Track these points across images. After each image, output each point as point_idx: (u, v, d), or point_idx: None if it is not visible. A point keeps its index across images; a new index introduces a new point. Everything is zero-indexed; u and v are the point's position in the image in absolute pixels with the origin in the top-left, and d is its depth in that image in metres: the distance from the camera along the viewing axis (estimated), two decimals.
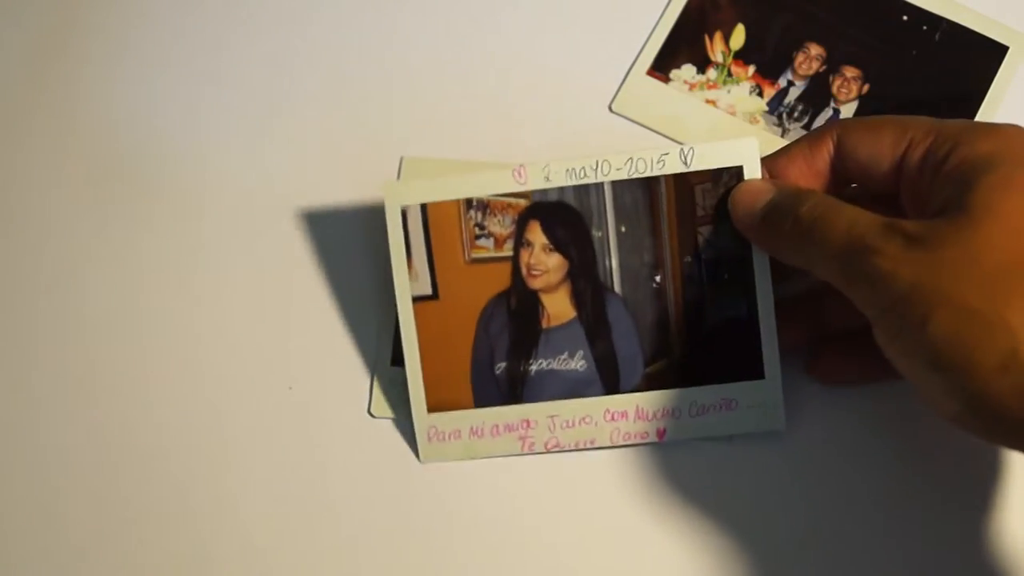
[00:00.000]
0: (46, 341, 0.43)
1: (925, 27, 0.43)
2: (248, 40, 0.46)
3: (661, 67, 0.44)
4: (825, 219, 0.32)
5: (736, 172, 0.37)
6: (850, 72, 0.43)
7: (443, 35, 0.45)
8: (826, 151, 0.35)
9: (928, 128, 0.33)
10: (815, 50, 0.43)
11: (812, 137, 0.36)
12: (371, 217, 0.43)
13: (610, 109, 0.44)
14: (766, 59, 0.44)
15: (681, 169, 0.37)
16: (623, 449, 0.39)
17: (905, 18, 0.43)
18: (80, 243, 0.44)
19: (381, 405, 0.41)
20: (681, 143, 0.43)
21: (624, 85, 0.44)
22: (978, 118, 0.42)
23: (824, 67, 0.43)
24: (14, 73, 0.46)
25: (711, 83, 0.43)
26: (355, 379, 0.41)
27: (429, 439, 0.39)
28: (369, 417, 0.41)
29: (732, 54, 0.44)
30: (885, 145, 0.34)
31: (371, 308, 0.42)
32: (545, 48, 0.45)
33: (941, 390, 0.30)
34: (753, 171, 0.36)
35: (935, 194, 0.32)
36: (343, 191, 0.43)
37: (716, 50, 0.44)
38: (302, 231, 0.43)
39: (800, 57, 0.43)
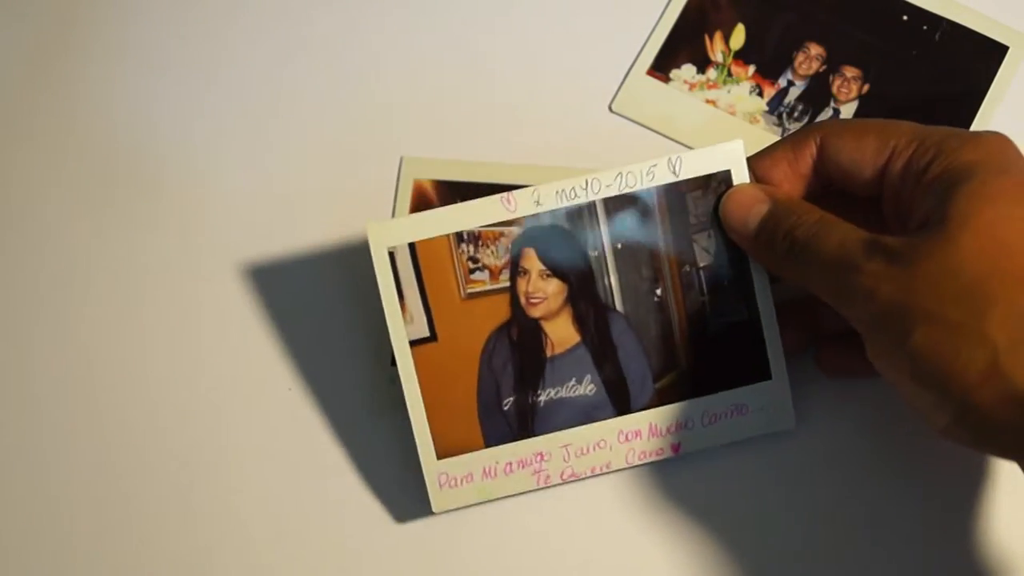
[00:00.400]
0: (46, 341, 0.43)
1: (925, 27, 0.43)
2: (248, 41, 0.46)
3: (661, 67, 0.44)
4: (819, 237, 0.33)
5: (724, 177, 0.37)
6: (850, 72, 0.43)
7: (443, 35, 0.45)
8: (809, 154, 0.35)
9: (911, 136, 0.33)
10: (815, 50, 0.43)
11: (795, 139, 0.36)
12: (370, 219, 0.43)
13: (610, 109, 0.44)
14: (766, 59, 0.44)
15: (671, 179, 0.37)
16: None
17: (905, 18, 0.43)
18: (80, 243, 0.44)
19: (381, 405, 0.41)
20: (682, 143, 0.43)
21: (624, 85, 0.44)
22: (978, 118, 0.42)
23: (824, 67, 0.43)
24: (14, 73, 0.46)
25: (711, 83, 0.43)
26: (355, 379, 0.41)
27: (440, 486, 0.38)
28: (369, 417, 0.41)
29: (732, 54, 0.44)
30: (868, 153, 0.34)
31: (371, 307, 0.42)
32: (545, 48, 0.45)
33: (929, 404, 0.30)
34: (740, 175, 0.37)
35: (917, 205, 0.32)
36: (343, 191, 0.43)
37: (716, 50, 0.44)
38: (302, 231, 0.43)
39: (800, 57, 0.43)
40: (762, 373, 0.38)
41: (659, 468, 0.39)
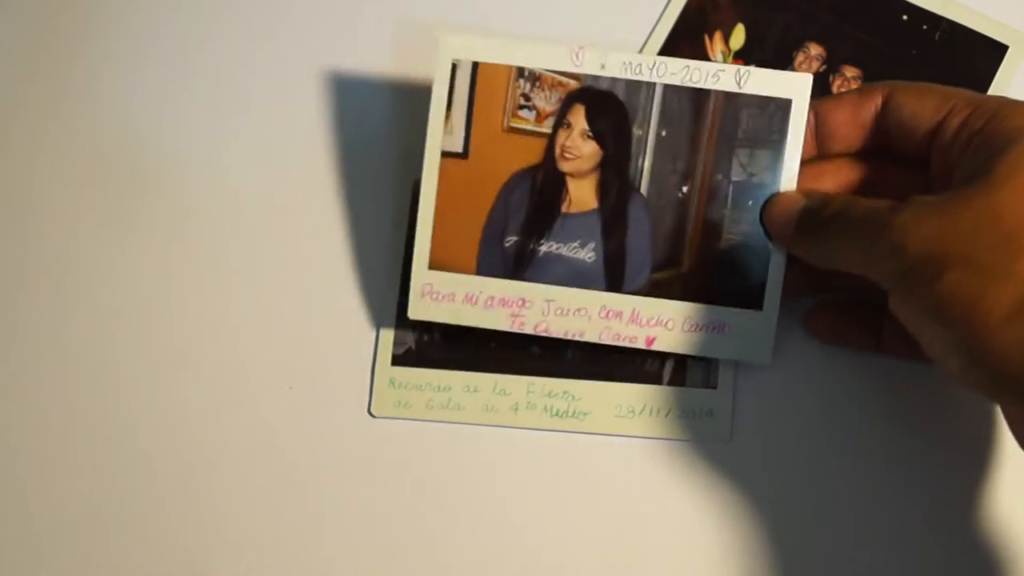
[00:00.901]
0: (45, 341, 0.43)
1: (925, 27, 0.43)
2: (249, 40, 0.46)
3: None
4: (848, 207, 0.34)
5: (785, 104, 0.37)
6: (850, 72, 0.43)
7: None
8: (873, 105, 0.37)
9: (969, 100, 0.34)
10: (815, 50, 0.43)
11: (864, 89, 0.37)
12: (373, 212, 0.43)
13: None
14: (766, 59, 0.44)
15: (733, 89, 0.37)
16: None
17: (905, 18, 0.43)
18: (80, 243, 0.44)
19: (381, 405, 0.41)
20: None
21: None
22: None
23: (824, 67, 0.43)
24: (14, 73, 0.46)
25: None
26: (355, 379, 0.41)
27: (422, 295, 0.39)
28: (369, 417, 0.41)
29: (732, 54, 0.44)
30: (928, 108, 0.35)
31: (373, 308, 0.42)
32: None
33: (947, 343, 0.31)
34: (801, 106, 0.37)
35: (964, 164, 0.33)
36: (342, 192, 0.43)
37: (716, 50, 0.44)
38: (303, 231, 0.43)
39: (800, 57, 0.43)
40: (755, 302, 0.38)
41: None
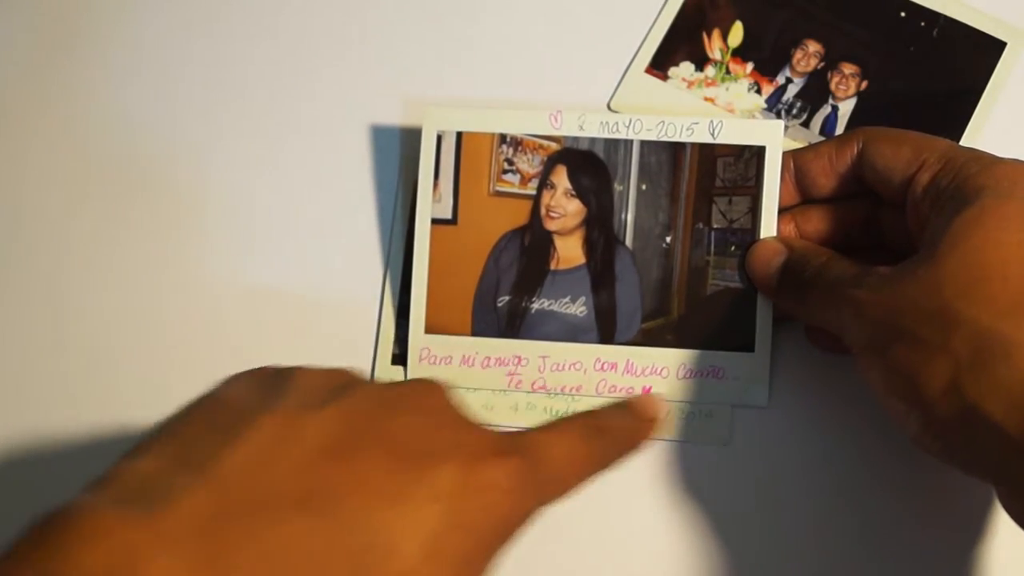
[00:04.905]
0: (40, 339, 0.43)
1: (923, 23, 0.43)
2: (250, 39, 0.46)
3: (659, 65, 0.44)
4: (822, 272, 0.35)
5: (758, 151, 0.38)
6: (848, 69, 0.43)
7: (442, 33, 0.45)
8: (850, 154, 0.37)
9: (941, 154, 0.34)
10: (813, 47, 0.43)
11: (840, 138, 0.38)
12: (374, 210, 0.43)
13: (608, 107, 0.44)
14: (764, 56, 0.44)
15: (708, 140, 0.38)
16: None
17: (903, 14, 0.43)
18: (74, 242, 0.43)
19: None
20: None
21: (622, 83, 0.44)
22: (976, 114, 0.42)
23: (822, 64, 0.43)
24: (14, 72, 0.46)
25: (709, 80, 0.43)
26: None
27: (420, 360, 0.40)
28: None
29: (730, 51, 0.44)
30: (901, 161, 0.35)
31: (372, 309, 0.42)
32: (543, 46, 0.45)
33: (900, 411, 0.32)
34: (775, 152, 0.38)
35: (929, 223, 0.33)
36: (342, 194, 0.43)
37: (714, 47, 0.44)
38: (301, 230, 0.43)
39: (798, 54, 0.43)
40: (746, 344, 0.38)
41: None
